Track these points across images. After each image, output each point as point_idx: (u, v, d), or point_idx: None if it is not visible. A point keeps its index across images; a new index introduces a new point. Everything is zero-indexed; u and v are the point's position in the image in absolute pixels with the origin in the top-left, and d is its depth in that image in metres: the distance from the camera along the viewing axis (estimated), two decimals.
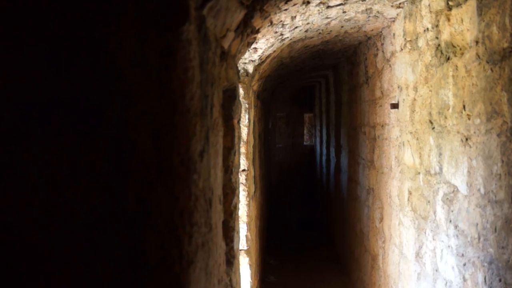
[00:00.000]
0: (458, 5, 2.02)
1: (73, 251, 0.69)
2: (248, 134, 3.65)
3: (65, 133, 0.68)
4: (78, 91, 0.70)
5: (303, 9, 2.71)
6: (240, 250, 3.40)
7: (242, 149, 3.55)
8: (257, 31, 2.34)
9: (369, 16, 3.28)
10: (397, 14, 3.17)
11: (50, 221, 0.64)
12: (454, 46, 2.09)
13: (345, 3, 2.89)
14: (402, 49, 3.07)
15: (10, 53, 0.59)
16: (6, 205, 0.58)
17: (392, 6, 2.97)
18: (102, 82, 0.76)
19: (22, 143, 0.61)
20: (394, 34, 3.32)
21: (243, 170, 3.61)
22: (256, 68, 3.56)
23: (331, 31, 3.75)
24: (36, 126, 0.63)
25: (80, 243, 0.70)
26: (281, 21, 2.71)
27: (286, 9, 2.50)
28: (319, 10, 2.91)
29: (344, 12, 3.11)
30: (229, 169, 2.12)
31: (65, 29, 0.67)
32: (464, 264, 1.95)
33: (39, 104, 0.63)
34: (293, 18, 2.81)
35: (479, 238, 1.80)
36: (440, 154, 2.27)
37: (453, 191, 2.10)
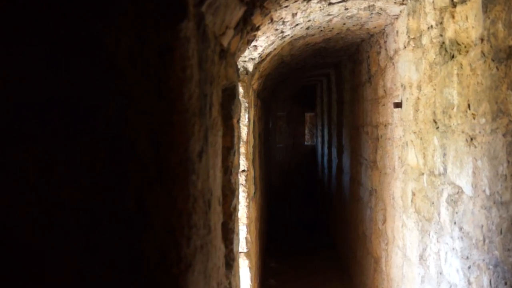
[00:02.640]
0: (463, 1, 1.99)
1: (73, 251, 0.69)
2: (248, 133, 3.63)
3: (65, 133, 0.68)
4: (78, 91, 0.71)
5: (304, 6, 2.68)
6: (240, 252, 3.37)
7: (242, 149, 3.52)
8: (257, 29, 2.31)
9: (372, 13, 3.25)
10: (401, 11, 3.14)
11: (49, 221, 0.64)
12: (458, 44, 2.06)
13: (347, 0, 2.85)
14: (405, 47, 3.03)
15: (10, 53, 0.59)
16: (6, 205, 0.58)
17: (395, 3, 2.94)
18: (101, 82, 0.77)
19: (22, 143, 0.61)
20: (397, 32, 3.28)
21: (243, 171, 3.58)
22: (256, 67, 3.53)
23: (333, 28, 3.72)
24: (36, 126, 0.63)
25: (80, 243, 0.70)
26: (281, 18, 2.68)
27: (286, 6, 2.46)
28: (320, 7, 2.88)
29: (346, 9, 3.08)
30: (229, 169, 2.10)
31: (65, 29, 0.68)
32: (469, 267, 1.92)
33: (39, 104, 0.64)
34: (294, 15, 2.78)
35: (484, 240, 1.77)
36: (445, 154, 2.24)
37: (458, 192, 2.06)
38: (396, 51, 3.33)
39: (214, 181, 1.53)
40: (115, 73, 0.80)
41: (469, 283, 1.92)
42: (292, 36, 3.50)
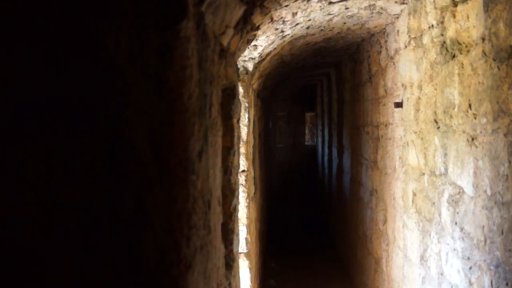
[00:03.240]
0: (464, 1, 1.99)
1: (73, 251, 0.69)
2: (248, 133, 3.62)
3: (65, 133, 0.68)
4: (78, 91, 0.71)
5: (305, 5, 2.67)
6: (240, 253, 3.37)
7: (242, 149, 3.52)
8: (257, 28, 2.31)
9: (373, 13, 3.25)
10: (401, 11, 3.13)
11: (49, 221, 0.64)
12: (459, 43, 2.05)
13: None
14: (406, 47, 3.03)
15: (10, 53, 0.59)
16: (6, 205, 0.58)
17: (396, 2, 2.94)
18: (101, 82, 0.77)
19: (22, 143, 0.61)
20: (398, 31, 3.28)
21: (243, 171, 3.58)
22: (256, 66, 3.53)
23: (333, 27, 3.71)
24: (36, 126, 0.63)
25: (80, 243, 0.70)
26: (282, 17, 2.68)
27: (287, 5, 2.46)
28: (321, 6, 2.87)
29: (346, 8, 3.07)
30: (229, 169, 2.09)
31: (65, 29, 0.67)
32: (470, 268, 1.91)
33: (39, 104, 0.63)
34: (294, 14, 2.78)
35: (485, 241, 1.77)
36: (446, 154, 2.23)
37: (459, 192, 2.06)
38: (396, 51, 3.33)
39: (214, 181, 1.53)
40: (115, 73, 0.80)
41: (470, 283, 1.92)
42: (292, 36, 3.50)
